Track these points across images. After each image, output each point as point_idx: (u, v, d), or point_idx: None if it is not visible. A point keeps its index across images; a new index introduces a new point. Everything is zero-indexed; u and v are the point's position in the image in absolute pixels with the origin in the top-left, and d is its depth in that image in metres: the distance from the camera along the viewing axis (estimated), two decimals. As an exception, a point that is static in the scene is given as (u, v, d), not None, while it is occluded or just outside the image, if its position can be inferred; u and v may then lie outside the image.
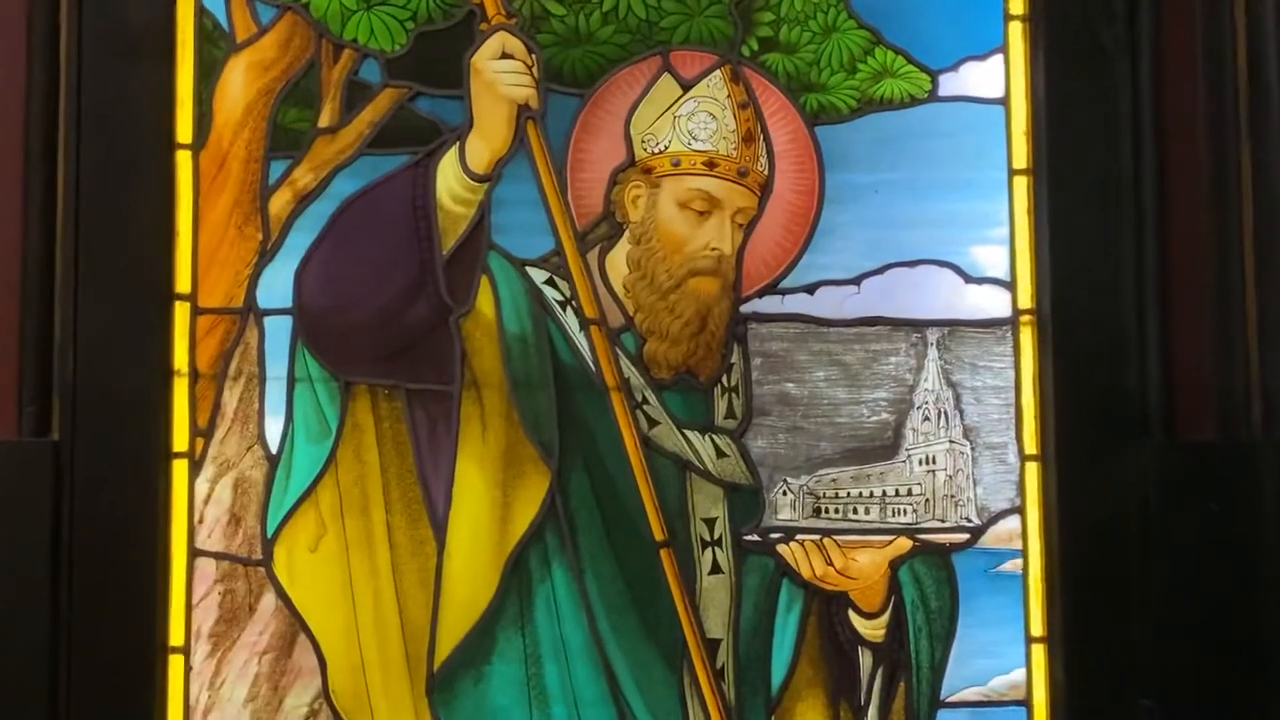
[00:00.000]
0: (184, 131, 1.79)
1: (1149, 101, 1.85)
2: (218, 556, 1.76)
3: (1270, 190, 1.82)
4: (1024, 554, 1.84)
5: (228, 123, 1.80)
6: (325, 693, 1.75)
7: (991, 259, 1.89)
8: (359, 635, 1.76)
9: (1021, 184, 1.88)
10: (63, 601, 1.70)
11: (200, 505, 1.76)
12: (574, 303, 1.83)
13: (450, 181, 1.81)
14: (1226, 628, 1.77)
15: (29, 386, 1.72)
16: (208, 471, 1.77)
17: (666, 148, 1.86)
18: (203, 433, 1.77)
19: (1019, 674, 1.83)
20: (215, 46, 1.82)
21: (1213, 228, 1.84)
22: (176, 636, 1.74)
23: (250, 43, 1.82)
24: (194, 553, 1.76)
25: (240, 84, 1.81)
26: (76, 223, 1.74)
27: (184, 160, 1.79)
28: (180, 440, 1.76)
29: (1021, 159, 1.89)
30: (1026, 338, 1.86)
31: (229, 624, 1.75)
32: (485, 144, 1.82)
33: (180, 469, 1.76)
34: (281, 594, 1.76)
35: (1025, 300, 1.87)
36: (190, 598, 1.75)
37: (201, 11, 1.81)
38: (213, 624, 1.75)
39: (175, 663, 1.73)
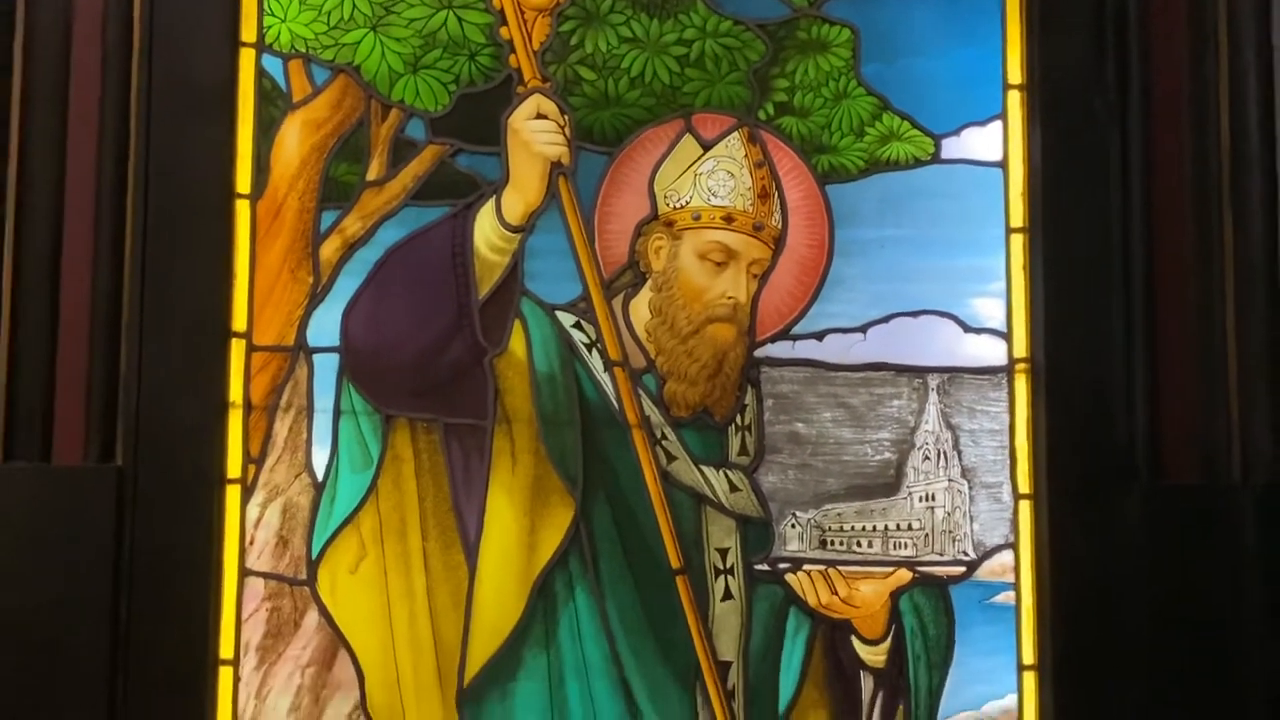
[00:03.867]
0: (243, 183, 1.91)
1: (1138, 166, 1.97)
2: (266, 576, 1.87)
3: (1250, 251, 1.94)
4: (1016, 587, 1.94)
5: (283, 175, 1.92)
6: (363, 705, 1.86)
7: (989, 310, 2.00)
8: (395, 652, 1.87)
9: (1018, 241, 1.99)
10: (122, 616, 1.80)
11: (251, 528, 1.87)
12: (599, 345, 1.94)
13: (487, 232, 1.93)
14: (1207, 658, 1.87)
15: (95, 417, 1.83)
16: (258, 497, 1.88)
17: (688, 203, 1.97)
18: (255, 461, 1.88)
19: (1011, 699, 1.93)
20: (273, 105, 1.94)
21: (1196, 285, 1.95)
22: (226, 649, 1.85)
23: (305, 102, 1.94)
24: (244, 572, 1.86)
25: (295, 140, 1.93)
26: (142, 266, 1.85)
27: (243, 209, 1.91)
28: (234, 468, 1.87)
29: (1018, 218, 2.00)
30: (1021, 385, 1.97)
31: (275, 639, 1.86)
32: (520, 197, 1.94)
33: (233, 494, 1.87)
34: (324, 612, 1.87)
35: (1020, 349, 1.97)
36: (240, 614, 1.86)
37: (261, 73, 1.93)
38: (260, 638, 1.86)
39: (225, 674, 1.84)
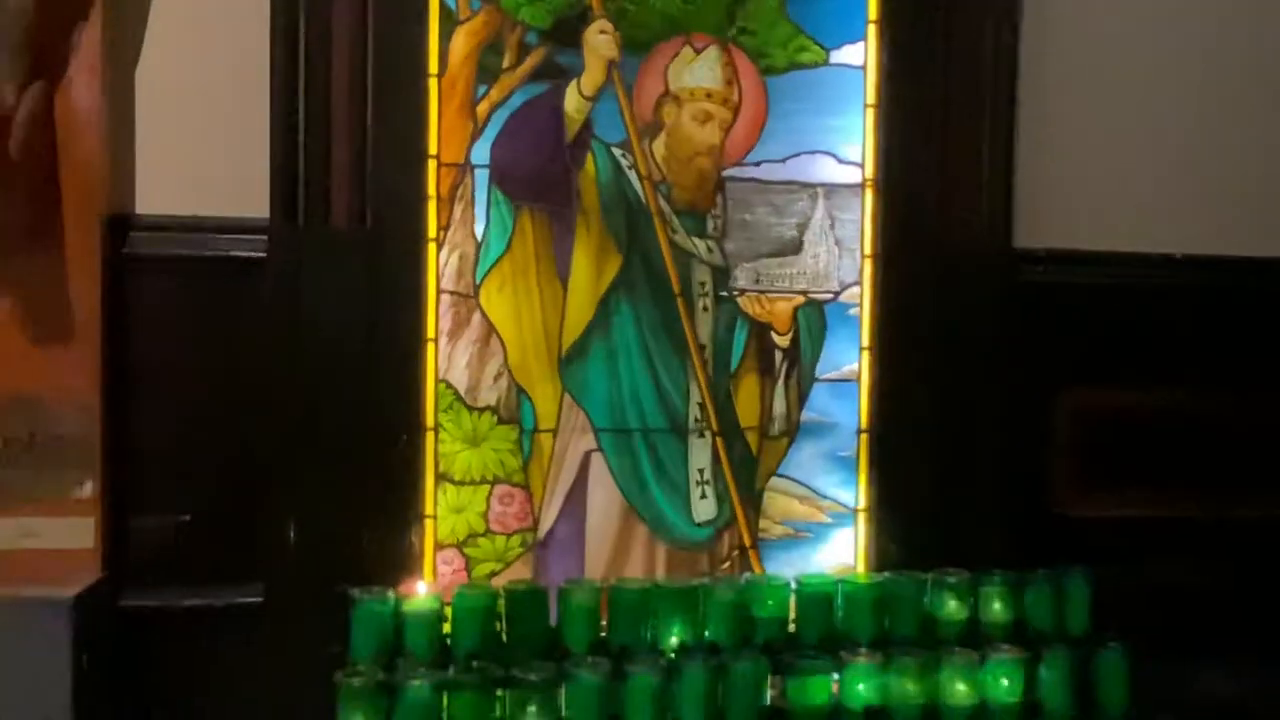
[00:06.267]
0: (433, 67, 3.04)
1: (942, 72, 3.24)
2: (451, 293, 3.03)
3: (1000, 121, 3.28)
4: (860, 305, 3.19)
5: (455, 63, 3.06)
6: (506, 364, 3.08)
7: (853, 151, 3.17)
8: (523, 335, 3.08)
9: (870, 113, 3.17)
10: (374, 318, 3.00)
11: (441, 265, 3.06)
12: (635, 168, 3.15)
13: (573, 100, 3.12)
14: (966, 348, 3.27)
15: (354, 198, 2.98)
16: (446, 248, 3.07)
17: (686, 85, 3.16)
18: (443, 228, 3.03)
19: (854, 366, 3.21)
20: (449, 20, 3.06)
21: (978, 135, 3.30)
22: (431, 332, 2.99)
23: (467, 20, 3.08)
24: (439, 290, 3.06)
25: (461, 42, 3.07)
26: (377, 115, 3.01)
27: (433, 83, 3.03)
28: (432, 231, 3.01)
29: (871, 99, 3.18)
30: (869, 194, 3.19)
31: (457, 326, 3.05)
32: (591, 80, 3.10)
33: (432, 247, 3.02)
34: (483, 314, 3.05)
35: (870, 174, 3.18)
36: (438, 313, 3.01)
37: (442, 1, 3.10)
38: (449, 327, 3.04)
39: (430, 347, 3.01)
